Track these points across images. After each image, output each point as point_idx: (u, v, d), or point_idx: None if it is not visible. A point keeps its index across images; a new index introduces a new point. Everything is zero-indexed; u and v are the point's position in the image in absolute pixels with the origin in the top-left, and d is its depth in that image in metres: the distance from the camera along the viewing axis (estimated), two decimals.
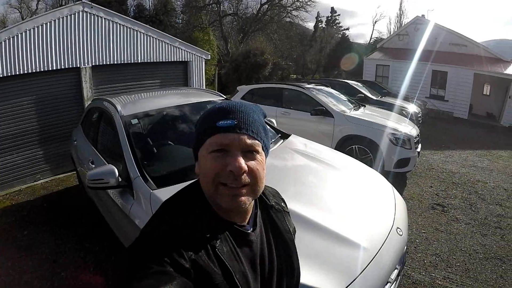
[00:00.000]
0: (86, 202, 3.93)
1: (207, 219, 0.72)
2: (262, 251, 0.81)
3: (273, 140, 3.00)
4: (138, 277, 0.60)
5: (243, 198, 0.71)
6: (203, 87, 7.14)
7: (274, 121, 3.60)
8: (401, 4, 44.61)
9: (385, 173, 4.35)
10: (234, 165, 0.68)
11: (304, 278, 1.01)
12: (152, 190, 2.01)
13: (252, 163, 0.71)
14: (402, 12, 30.26)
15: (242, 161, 0.69)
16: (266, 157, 0.77)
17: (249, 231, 0.78)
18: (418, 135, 5.46)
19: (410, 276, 2.87)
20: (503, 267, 3.09)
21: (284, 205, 0.98)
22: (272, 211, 0.89)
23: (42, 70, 4.95)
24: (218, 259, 0.69)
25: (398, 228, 1.96)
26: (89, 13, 5.44)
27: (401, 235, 1.93)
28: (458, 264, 3.09)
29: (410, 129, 5.28)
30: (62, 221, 3.87)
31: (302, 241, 1.61)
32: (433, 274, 2.92)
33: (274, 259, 0.84)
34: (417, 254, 3.21)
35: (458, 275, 2.93)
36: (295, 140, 3.12)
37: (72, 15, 5.24)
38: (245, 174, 0.69)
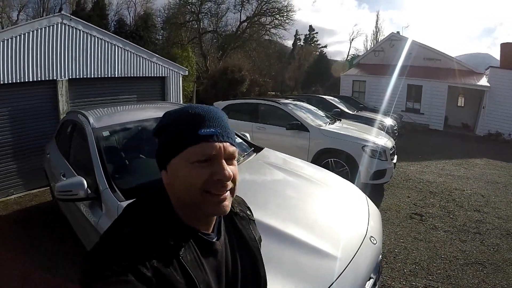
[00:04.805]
0: (59, 218, 3.79)
1: (171, 225, 0.70)
2: (226, 260, 0.79)
3: (246, 153, 3.02)
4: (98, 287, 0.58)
5: (226, 202, 0.71)
6: (180, 103, 7.13)
7: (247, 135, 3.63)
8: (377, 22, 46.40)
9: (362, 185, 4.41)
10: (223, 174, 0.68)
11: None
12: (120, 202, 1.98)
13: (232, 168, 0.72)
14: (379, 29, 31.52)
15: (228, 169, 0.70)
16: None
17: (214, 240, 0.76)
18: (393, 146, 5.56)
19: (390, 286, 2.84)
20: (484, 272, 3.10)
21: (249, 213, 0.96)
22: (237, 218, 0.88)
23: (18, 81, 4.83)
24: (181, 268, 0.66)
25: (372, 237, 1.96)
26: (68, 25, 5.40)
27: (375, 244, 1.93)
28: (438, 272, 3.08)
29: (385, 141, 5.36)
30: (34, 237, 3.71)
31: (275, 253, 1.59)
32: (414, 283, 2.89)
33: (238, 268, 0.81)
34: (396, 264, 3.20)
35: (440, 282, 2.91)
36: (268, 154, 3.15)
37: (51, 26, 5.19)
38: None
